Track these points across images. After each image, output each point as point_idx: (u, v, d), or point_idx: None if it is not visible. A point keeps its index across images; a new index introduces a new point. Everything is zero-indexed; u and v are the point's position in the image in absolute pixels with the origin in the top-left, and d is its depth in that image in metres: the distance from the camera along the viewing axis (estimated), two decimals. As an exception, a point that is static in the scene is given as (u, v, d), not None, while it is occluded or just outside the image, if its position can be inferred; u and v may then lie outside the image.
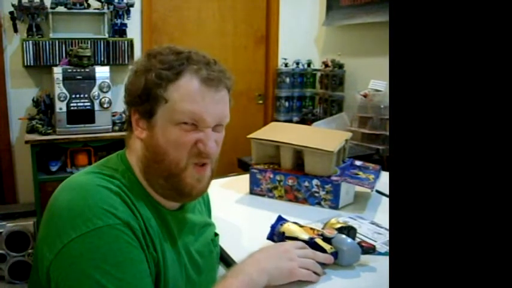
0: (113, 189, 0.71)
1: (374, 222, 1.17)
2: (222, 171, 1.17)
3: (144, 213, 0.74)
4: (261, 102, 3.40)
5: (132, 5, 2.73)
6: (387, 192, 1.39)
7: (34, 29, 2.54)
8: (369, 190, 1.29)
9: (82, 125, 2.44)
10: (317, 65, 3.31)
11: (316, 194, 1.30)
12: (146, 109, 0.76)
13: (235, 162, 2.52)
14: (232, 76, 0.82)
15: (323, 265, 0.93)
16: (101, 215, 0.67)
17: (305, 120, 3.15)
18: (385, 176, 1.44)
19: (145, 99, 0.76)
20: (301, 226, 1.00)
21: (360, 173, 1.37)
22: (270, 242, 1.01)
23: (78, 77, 2.42)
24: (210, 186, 0.85)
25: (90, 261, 0.64)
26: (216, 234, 0.96)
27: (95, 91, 2.45)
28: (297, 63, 3.23)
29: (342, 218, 1.13)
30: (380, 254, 0.97)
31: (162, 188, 0.79)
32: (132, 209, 0.72)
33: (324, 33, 3.34)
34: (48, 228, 0.70)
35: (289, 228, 0.98)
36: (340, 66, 3.00)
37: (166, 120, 0.76)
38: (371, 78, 2.59)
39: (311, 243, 0.94)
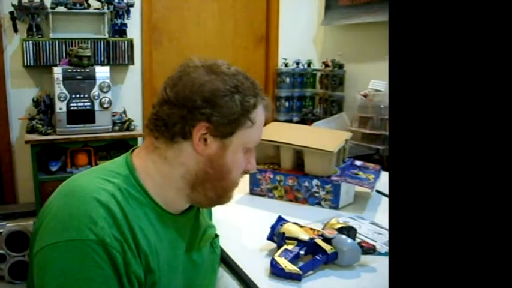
0: (103, 201, 0.69)
1: (374, 222, 1.17)
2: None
3: (139, 223, 0.73)
4: (261, 102, 3.39)
5: (132, 5, 2.73)
6: (387, 192, 1.39)
7: (34, 29, 2.53)
8: (369, 190, 1.29)
9: (82, 125, 2.44)
10: (317, 65, 3.31)
11: (316, 194, 1.30)
12: (227, 130, 0.76)
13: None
14: None
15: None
16: (78, 228, 0.66)
17: (305, 120, 3.14)
18: (385, 176, 1.45)
19: (233, 122, 0.76)
20: (301, 226, 1.00)
21: (360, 173, 1.37)
22: (270, 243, 1.01)
23: (78, 77, 2.42)
24: None
25: (51, 271, 0.65)
26: (217, 235, 0.96)
27: (95, 91, 2.44)
28: (297, 63, 3.23)
29: (342, 218, 1.13)
30: (380, 254, 0.97)
31: (206, 200, 0.82)
32: (119, 223, 0.69)
33: (323, 33, 3.34)
34: (39, 228, 0.71)
35: (289, 228, 0.98)
36: (340, 66, 3.00)
37: (240, 143, 0.79)
38: (371, 78, 2.58)
39: (311, 244, 0.94)
